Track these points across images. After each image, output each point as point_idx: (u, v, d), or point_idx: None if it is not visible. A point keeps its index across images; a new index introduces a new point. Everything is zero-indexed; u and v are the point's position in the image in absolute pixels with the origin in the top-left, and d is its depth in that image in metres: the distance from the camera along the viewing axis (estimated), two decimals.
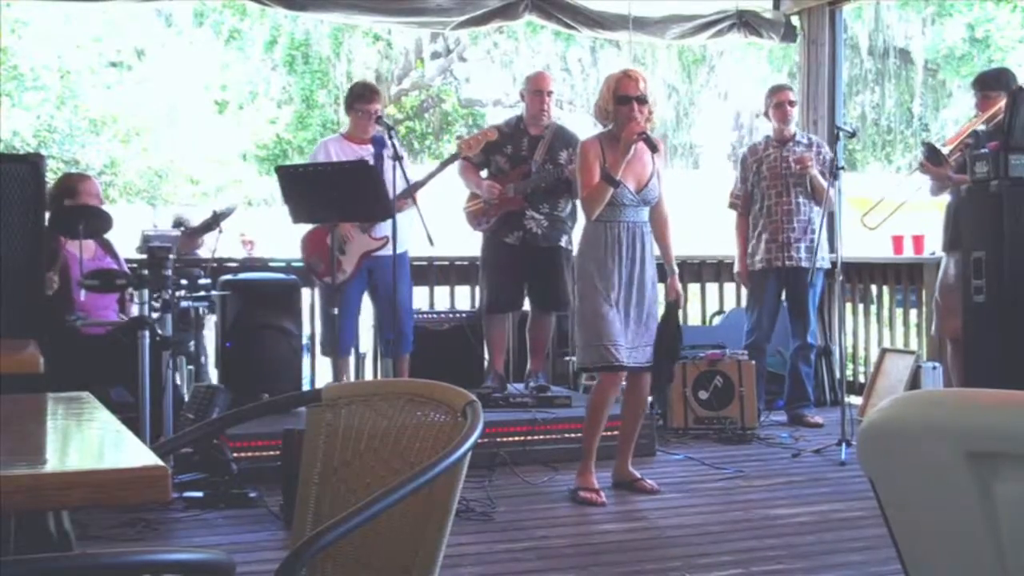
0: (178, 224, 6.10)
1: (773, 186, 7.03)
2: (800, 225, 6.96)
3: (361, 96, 6.44)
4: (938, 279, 6.46)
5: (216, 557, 1.45)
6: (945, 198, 6.49)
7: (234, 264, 7.18)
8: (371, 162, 5.90)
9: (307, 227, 6.30)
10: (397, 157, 5.62)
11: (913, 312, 7.65)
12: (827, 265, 7.04)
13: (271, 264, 7.42)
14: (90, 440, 1.82)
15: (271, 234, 11.08)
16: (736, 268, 7.35)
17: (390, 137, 5.80)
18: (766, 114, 7.27)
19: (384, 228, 5.88)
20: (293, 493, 4.45)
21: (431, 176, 6.26)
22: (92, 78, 18.55)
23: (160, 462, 1.42)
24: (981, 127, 6.25)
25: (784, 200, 6.99)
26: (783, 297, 7.23)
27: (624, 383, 5.53)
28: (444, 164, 6.41)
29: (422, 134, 20.95)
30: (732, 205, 7.32)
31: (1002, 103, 6.06)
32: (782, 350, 7.35)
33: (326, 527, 1.76)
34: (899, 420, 1.34)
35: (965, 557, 1.29)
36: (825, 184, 6.92)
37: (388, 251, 5.87)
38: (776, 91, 7.25)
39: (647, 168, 5.18)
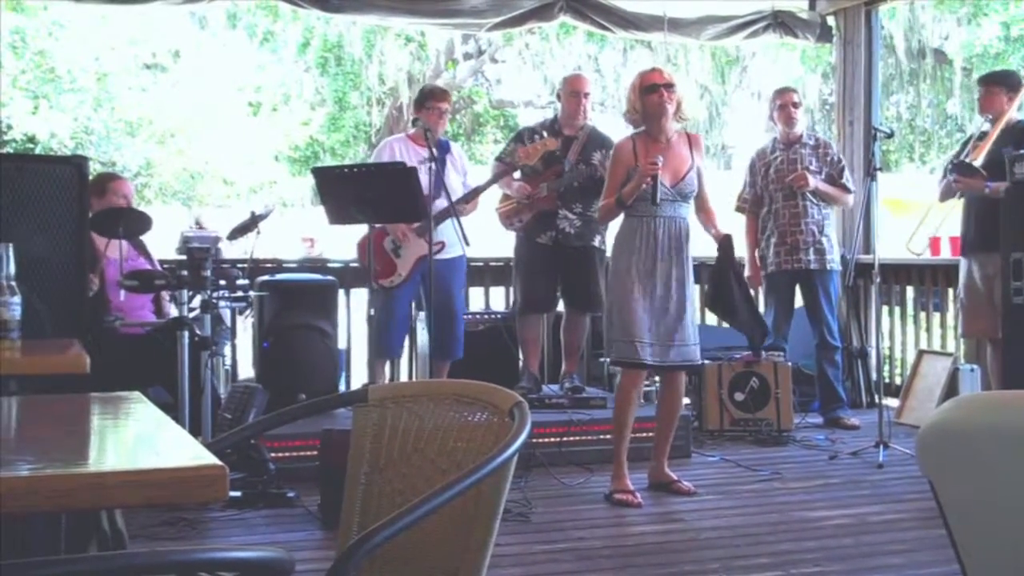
0: (197, 225, 6.16)
1: (780, 189, 7.04)
2: (808, 228, 6.97)
3: (432, 94, 6.49)
4: (961, 280, 6.44)
5: (277, 555, 1.46)
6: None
7: (271, 264, 7.22)
8: (432, 164, 5.91)
9: (347, 227, 6.34)
10: (433, 159, 5.64)
11: (950, 314, 7.59)
12: (838, 267, 7.04)
13: (308, 264, 7.47)
14: (146, 439, 1.84)
15: (331, 232, 11.21)
16: (747, 272, 7.33)
17: (427, 138, 5.78)
18: (771, 117, 7.29)
19: (441, 232, 5.92)
20: (331, 493, 4.50)
21: (489, 183, 6.32)
22: (128, 80, 18.68)
23: (218, 461, 1.44)
24: (987, 128, 6.29)
25: (791, 203, 7.00)
26: (798, 300, 7.26)
27: (659, 384, 5.54)
28: (500, 174, 6.44)
29: (453, 135, 20.97)
30: (739, 209, 7.35)
31: (1004, 100, 6.14)
32: (814, 352, 7.31)
33: (377, 527, 1.77)
34: (960, 422, 1.34)
35: None
36: (833, 191, 6.95)
37: (445, 255, 5.91)
38: (780, 93, 7.27)
39: (685, 162, 5.19)
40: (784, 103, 7.11)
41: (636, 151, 5.17)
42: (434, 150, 5.70)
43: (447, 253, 6.14)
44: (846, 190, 7.02)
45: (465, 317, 7.09)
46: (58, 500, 1.38)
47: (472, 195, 6.29)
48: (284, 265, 7.45)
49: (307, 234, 11.94)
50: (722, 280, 5.30)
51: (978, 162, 5.97)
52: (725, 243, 5.32)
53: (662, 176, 5.07)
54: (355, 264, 6.98)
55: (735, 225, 7.39)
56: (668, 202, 5.13)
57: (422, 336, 6.77)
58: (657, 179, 5.03)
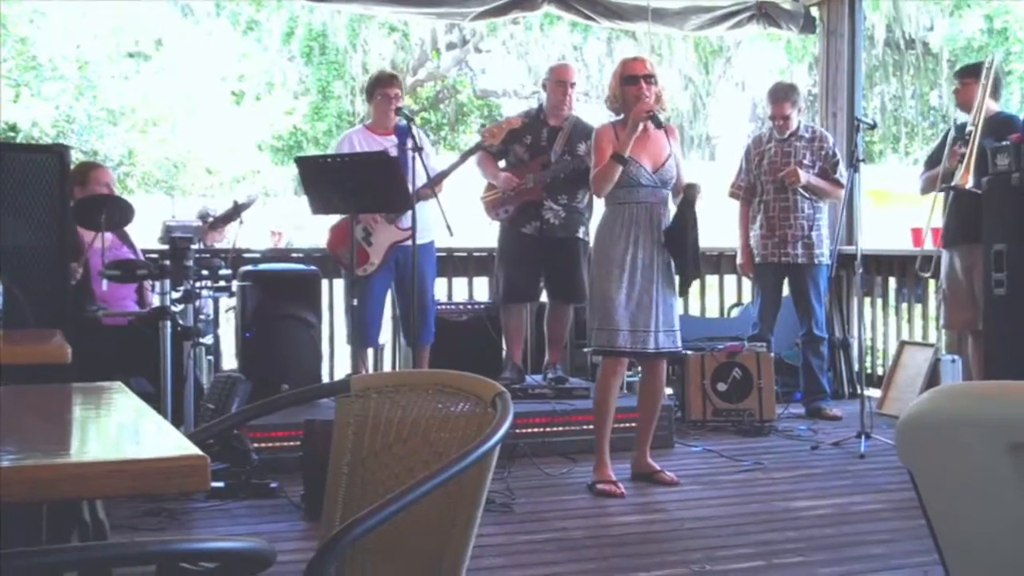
0: (203, 217, 6.14)
1: (771, 181, 7.02)
2: (798, 222, 6.94)
3: (380, 80, 6.50)
4: (943, 272, 6.45)
5: (259, 545, 1.46)
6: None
7: (255, 255, 7.20)
8: (394, 153, 5.91)
9: (328, 218, 6.32)
10: (417, 148, 5.61)
11: (931, 304, 7.62)
12: (828, 261, 6.98)
13: (292, 255, 7.45)
14: (128, 429, 1.84)
15: (301, 224, 11.16)
16: (739, 259, 7.35)
17: (409, 128, 5.78)
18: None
19: (411, 218, 5.88)
20: (314, 483, 4.50)
21: (455, 166, 6.27)
22: (110, 68, 18.59)
23: (199, 451, 1.43)
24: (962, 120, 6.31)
25: (782, 196, 6.97)
26: (785, 291, 7.25)
27: (640, 372, 5.54)
28: (467, 154, 6.43)
29: (437, 125, 20.95)
30: (733, 195, 7.30)
31: (975, 89, 6.14)
32: (800, 342, 7.34)
33: (359, 517, 1.77)
34: (939, 413, 1.35)
35: (1006, 548, 1.29)
36: (825, 185, 6.92)
37: (417, 241, 5.87)
38: (772, 100, 7.15)
39: (664, 150, 5.20)
40: (774, 115, 7.07)
41: (617, 138, 5.17)
42: (417, 138, 5.65)
43: (419, 239, 6.08)
44: (838, 184, 6.92)
45: (449, 307, 7.10)
46: (39, 490, 1.38)
47: (438, 179, 6.21)
48: (269, 255, 7.43)
49: (276, 227, 11.95)
50: (683, 220, 5.22)
51: (970, 183, 5.92)
52: (692, 190, 5.21)
53: (643, 162, 5.09)
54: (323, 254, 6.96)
55: (728, 211, 7.41)
56: (649, 188, 5.14)
57: (393, 324, 6.80)
58: (654, 112, 5.06)
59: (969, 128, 6.05)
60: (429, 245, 6.43)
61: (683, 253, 5.16)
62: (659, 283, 5.13)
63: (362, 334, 6.35)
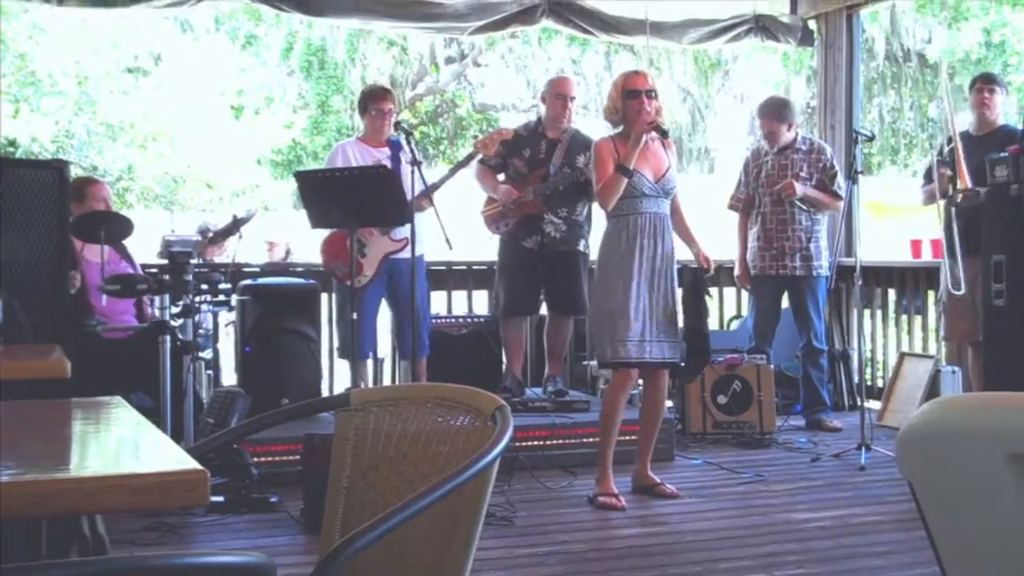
0: (203, 232, 6.15)
1: (768, 194, 7.02)
2: (795, 234, 6.94)
3: (373, 94, 6.49)
4: (943, 284, 6.44)
5: (259, 560, 1.46)
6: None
7: (255, 269, 7.20)
8: (388, 166, 5.92)
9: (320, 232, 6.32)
10: (416, 162, 5.60)
11: (931, 316, 7.62)
12: (827, 272, 6.97)
13: (291, 268, 7.45)
14: (127, 444, 1.84)
15: (299, 237, 11.15)
16: (736, 271, 7.35)
17: (408, 142, 5.79)
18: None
19: (404, 230, 5.88)
20: (314, 497, 4.49)
21: (447, 177, 6.26)
22: (109, 84, 18.63)
23: (199, 466, 1.43)
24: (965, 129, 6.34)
25: (779, 209, 6.97)
26: (784, 303, 7.25)
27: (642, 384, 5.53)
28: (460, 164, 6.43)
29: (436, 139, 20.97)
30: (732, 207, 7.31)
31: (987, 96, 6.30)
32: (799, 355, 7.33)
33: (359, 531, 1.77)
34: (939, 424, 1.34)
35: (1006, 559, 1.29)
36: (823, 198, 6.93)
37: (406, 254, 5.87)
38: (762, 116, 7.23)
39: (663, 161, 5.22)
40: (764, 131, 7.13)
41: (617, 151, 5.18)
42: (415, 153, 5.65)
43: (410, 251, 6.05)
44: (836, 197, 6.93)
45: (448, 320, 7.09)
46: (39, 505, 1.37)
47: (431, 190, 6.17)
48: (267, 269, 7.43)
49: (269, 238, 11.95)
50: (696, 299, 5.30)
51: (969, 183, 5.94)
52: (704, 272, 5.35)
53: (644, 172, 5.10)
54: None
55: (727, 223, 7.42)
56: (652, 198, 5.15)
57: (392, 337, 6.81)
58: (658, 123, 5.09)
59: (947, 148, 6.10)
60: (420, 258, 6.41)
61: (704, 350, 5.24)
62: (662, 293, 5.14)
63: (355, 347, 6.34)
